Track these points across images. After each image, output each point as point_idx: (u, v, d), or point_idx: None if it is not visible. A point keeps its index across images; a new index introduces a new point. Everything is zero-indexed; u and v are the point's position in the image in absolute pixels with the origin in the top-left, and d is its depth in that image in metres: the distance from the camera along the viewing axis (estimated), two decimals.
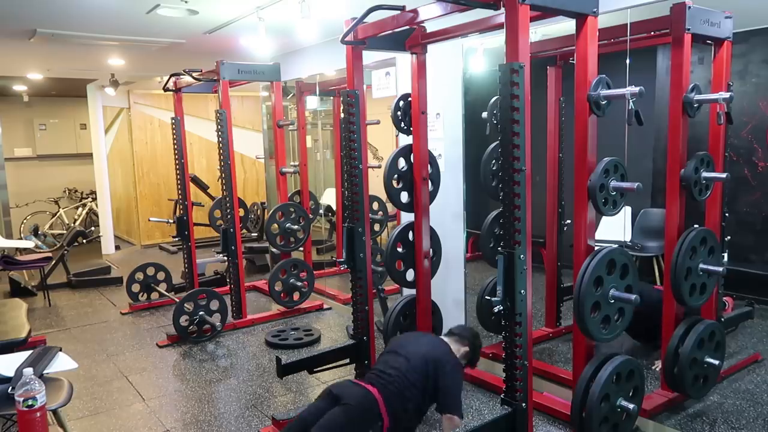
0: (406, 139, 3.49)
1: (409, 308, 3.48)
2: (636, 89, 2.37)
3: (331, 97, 5.76)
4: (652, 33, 2.98)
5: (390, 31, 3.06)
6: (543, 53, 3.62)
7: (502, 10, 2.30)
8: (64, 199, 9.44)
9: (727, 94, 2.72)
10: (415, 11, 2.83)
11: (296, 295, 4.97)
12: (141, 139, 8.35)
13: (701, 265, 2.76)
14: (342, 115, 3.17)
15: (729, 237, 3.29)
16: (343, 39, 3.04)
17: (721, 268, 2.80)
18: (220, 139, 4.51)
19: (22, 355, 2.60)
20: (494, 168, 3.24)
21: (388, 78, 4.19)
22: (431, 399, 2.64)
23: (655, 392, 3.03)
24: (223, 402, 3.43)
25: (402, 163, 3.36)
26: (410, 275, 3.47)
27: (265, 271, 6.34)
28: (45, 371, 2.44)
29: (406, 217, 3.57)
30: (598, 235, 2.65)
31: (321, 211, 6.20)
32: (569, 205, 3.59)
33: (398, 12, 2.86)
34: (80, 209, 9.24)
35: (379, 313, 4.05)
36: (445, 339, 2.84)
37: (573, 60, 2.58)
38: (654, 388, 3.10)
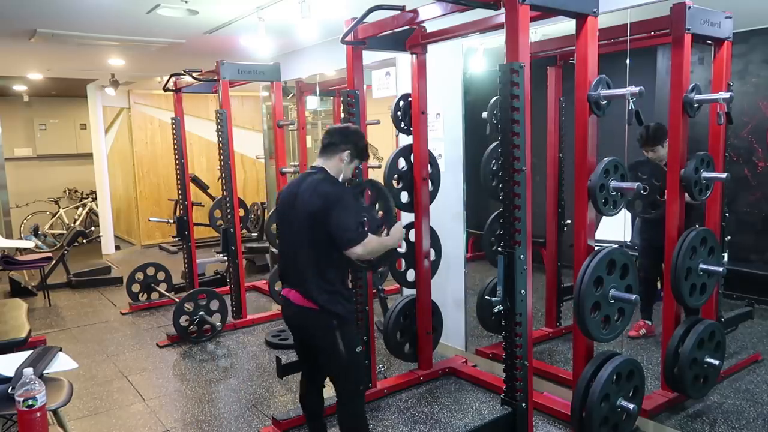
0: (406, 139, 3.49)
1: (409, 308, 3.48)
2: (636, 89, 2.37)
3: (331, 97, 5.76)
4: (652, 33, 2.97)
5: (390, 31, 3.06)
6: (543, 53, 3.61)
7: (502, 10, 2.30)
8: (64, 199, 9.44)
9: (727, 94, 2.71)
10: (415, 11, 2.83)
11: None
12: (141, 139, 8.34)
13: (701, 265, 2.76)
14: (342, 115, 3.17)
15: (729, 237, 3.29)
16: (343, 39, 3.04)
17: (721, 268, 2.80)
18: (220, 139, 4.51)
19: (22, 355, 2.60)
20: (494, 168, 3.24)
21: (388, 78, 4.18)
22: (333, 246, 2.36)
23: (655, 392, 3.03)
24: (223, 402, 3.43)
25: (402, 163, 3.36)
26: (410, 275, 3.47)
27: (265, 271, 6.33)
28: (45, 371, 2.44)
29: (406, 217, 3.57)
30: (598, 235, 2.65)
31: None
32: (569, 205, 3.59)
33: (398, 12, 2.86)
34: (80, 209, 9.24)
35: (379, 313, 4.05)
36: (319, 162, 2.49)
37: (573, 60, 2.58)
38: (654, 388, 3.10)
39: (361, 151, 2.53)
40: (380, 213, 3.04)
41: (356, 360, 2.44)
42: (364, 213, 2.78)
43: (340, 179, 2.50)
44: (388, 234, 2.63)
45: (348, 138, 2.48)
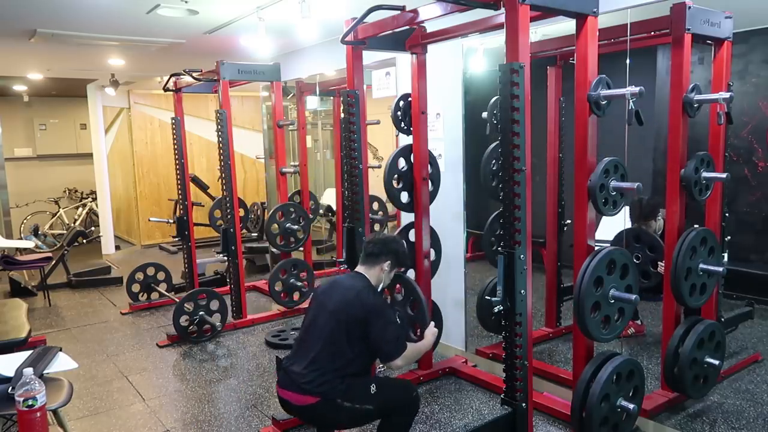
0: (406, 139, 3.49)
1: None
2: (636, 89, 2.37)
3: (331, 97, 5.76)
4: (652, 33, 2.97)
5: (390, 31, 3.06)
6: (543, 53, 3.61)
7: (502, 10, 2.30)
8: (64, 199, 9.45)
9: (727, 94, 2.71)
10: (415, 11, 2.83)
11: (296, 295, 4.97)
12: (141, 139, 8.35)
13: (701, 265, 2.76)
14: (342, 115, 3.17)
15: (729, 237, 3.29)
16: (343, 39, 3.04)
17: (721, 268, 2.80)
18: (220, 139, 4.51)
19: (22, 355, 2.60)
20: (494, 168, 3.24)
21: (388, 78, 4.18)
22: (364, 352, 2.46)
23: (655, 392, 3.03)
24: (223, 402, 3.43)
25: (402, 163, 3.36)
26: (410, 275, 3.47)
27: (265, 271, 6.34)
28: (45, 371, 2.44)
29: (406, 217, 3.57)
30: (598, 235, 2.65)
31: (321, 211, 6.20)
32: (569, 205, 3.59)
33: (398, 12, 2.86)
34: (80, 209, 9.24)
35: None
36: (361, 270, 2.61)
37: (573, 60, 2.58)
38: (654, 388, 3.10)
39: (402, 259, 2.67)
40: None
41: (380, 398, 2.42)
42: (397, 309, 2.95)
43: (380, 287, 2.61)
44: (422, 334, 2.77)
45: (388, 248, 2.61)
